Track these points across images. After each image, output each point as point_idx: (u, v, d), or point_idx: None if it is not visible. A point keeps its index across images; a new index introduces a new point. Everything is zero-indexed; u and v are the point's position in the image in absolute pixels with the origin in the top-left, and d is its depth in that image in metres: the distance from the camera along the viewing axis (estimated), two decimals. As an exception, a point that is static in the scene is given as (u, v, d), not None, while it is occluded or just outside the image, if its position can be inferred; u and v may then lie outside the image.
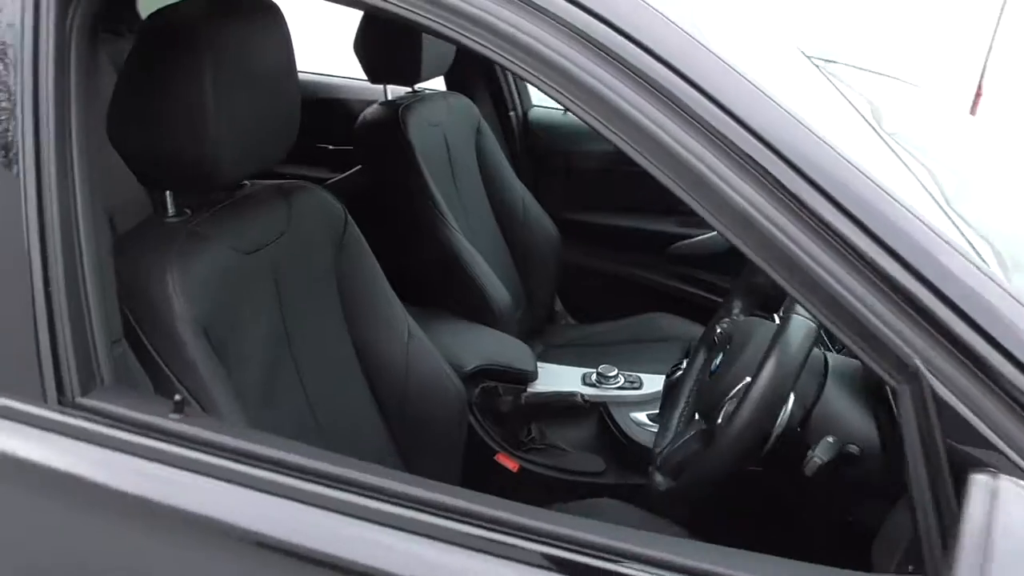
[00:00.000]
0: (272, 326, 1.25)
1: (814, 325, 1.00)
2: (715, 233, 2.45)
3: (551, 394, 1.73)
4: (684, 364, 1.60)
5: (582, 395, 1.72)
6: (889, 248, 0.69)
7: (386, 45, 1.87)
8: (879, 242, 0.69)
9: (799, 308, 1.01)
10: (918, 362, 0.68)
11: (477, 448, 1.69)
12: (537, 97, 2.59)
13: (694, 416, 1.25)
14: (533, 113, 2.56)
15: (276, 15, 1.16)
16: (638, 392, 1.80)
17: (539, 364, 1.87)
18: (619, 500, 1.56)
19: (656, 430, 1.67)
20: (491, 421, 1.73)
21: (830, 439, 1.04)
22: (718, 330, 1.35)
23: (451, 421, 1.56)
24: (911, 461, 0.71)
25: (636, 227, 2.51)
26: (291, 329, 1.28)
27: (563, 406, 1.73)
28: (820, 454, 1.03)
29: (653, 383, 1.82)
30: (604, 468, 1.68)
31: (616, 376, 1.82)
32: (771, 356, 1.00)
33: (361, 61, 1.93)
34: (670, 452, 1.23)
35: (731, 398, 1.10)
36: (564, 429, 1.77)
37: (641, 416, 1.74)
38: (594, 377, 1.83)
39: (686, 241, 2.47)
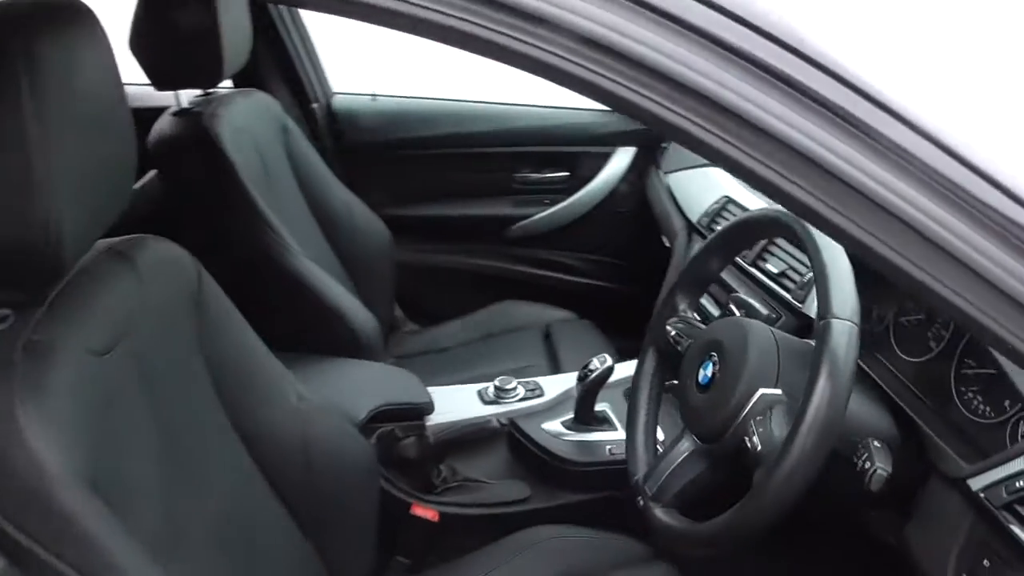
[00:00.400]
0: (151, 444, 0.92)
1: (856, 327, 0.89)
2: (553, 210, 2.35)
3: (462, 426, 1.51)
4: (598, 365, 1.47)
5: (498, 419, 1.53)
6: None
7: (177, 41, 1.49)
8: None
9: (836, 308, 0.90)
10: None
11: (389, 504, 1.45)
12: (338, 83, 2.29)
13: (682, 434, 1.11)
14: (337, 102, 2.26)
15: (94, 23, 0.82)
16: (543, 400, 1.64)
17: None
18: (554, 524, 1.40)
19: (574, 438, 1.54)
20: (397, 471, 1.49)
21: (876, 443, 0.95)
22: (672, 332, 1.22)
23: (363, 486, 1.32)
24: None
25: (468, 214, 2.33)
26: (171, 440, 0.96)
27: (478, 437, 1.52)
28: (881, 463, 0.94)
29: (553, 387, 1.68)
30: (530, 493, 1.51)
31: (515, 388, 1.64)
32: (822, 370, 0.87)
33: (142, 63, 1.53)
34: (667, 479, 1.09)
35: (751, 415, 0.98)
36: (475, 459, 1.57)
37: (555, 426, 1.58)
38: (491, 392, 1.64)
39: (523, 222, 2.34)
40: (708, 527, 0.97)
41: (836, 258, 0.94)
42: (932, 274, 0.57)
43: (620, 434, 1.56)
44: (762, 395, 0.98)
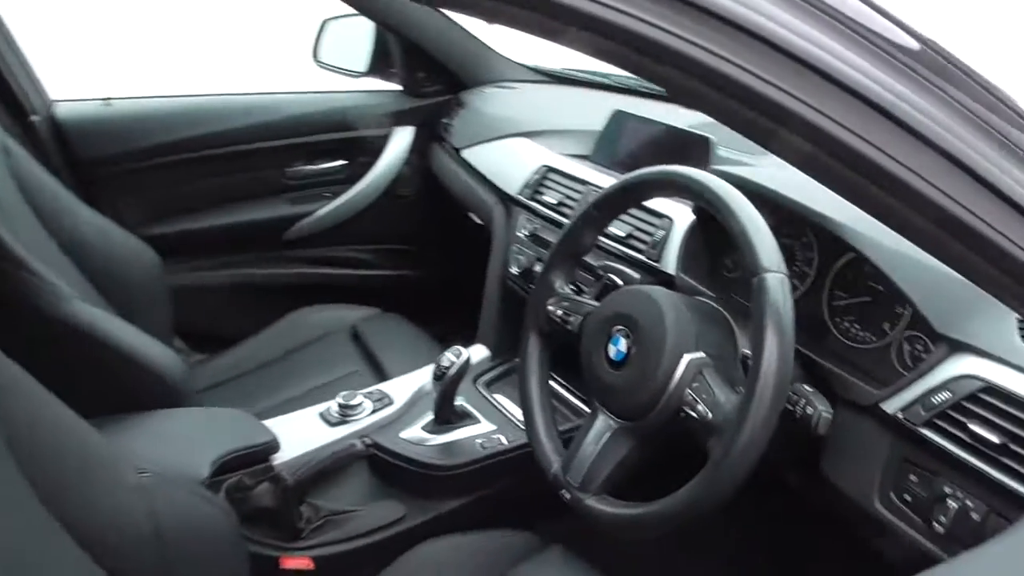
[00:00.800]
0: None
1: (787, 277, 0.89)
2: (335, 204, 2.19)
3: (324, 459, 1.34)
4: (454, 359, 1.38)
5: (362, 440, 1.37)
6: None
7: None
8: None
9: (765, 263, 0.89)
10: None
11: (257, 564, 1.25)
12: (57, 90, 1.91)
13: (595, 416, 1.06)
14: (61, 112, 1.88)
15: None
16: (395, 408, 1.51)
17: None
18: (440, 535, 1.31)
19: (439, 441, 1.44)
20: (256, 524, 1.29)
21: (807, 388, 0.97)
22: (556, 311, 1.16)
23: (228, 554, 1.13)
24: None
25: (241, 221, 2.09)
26: None
27: (342, 465, 1.36)
28: (822, 406, 0.95)
29: (400, 391, 1.55)
30: (404, 510, 1.39)
31: (361, 402, 1.49)
32: (767, 325, 0.86)
33: None
34: (591, 467, 1.04)
35: (683, 384, 0.95)
36: (336, 489, 1.40)
37: (414, 432, 1.46)
38: (335, 412, 1.48)
39: (304, 221, 2.14)
40: (666, 506, 0.93)
41: (750, 213, 0.93)
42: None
43: (485, 426, 1.48)
44: (690, 361, 0.96)
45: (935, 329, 0.96)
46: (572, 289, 1.19)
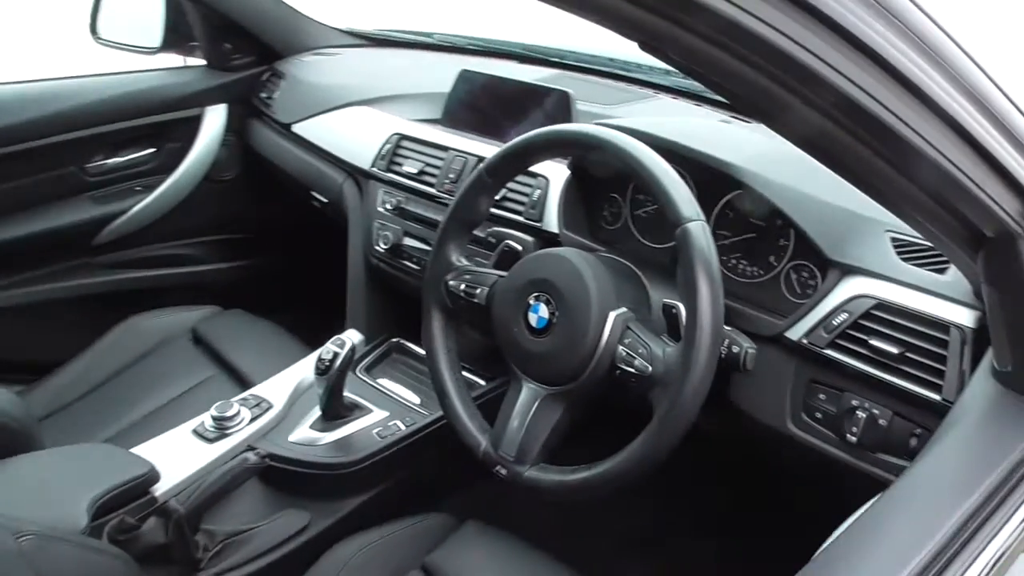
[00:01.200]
0: None
1: (707, 223, 0.91)
2: (150, 198, 1.98)
3: (216, 480, 1.22)
4: (338, 349, 1.31)
5: (255, 452, 1.26)
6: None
7: None
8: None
9: (686, 212, 0.90)
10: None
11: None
12: None
13: (519, 386, 1.04)
14: None
15: None
16: (275, 411, 1.41)
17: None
18: (350, 536, 1.26)
19: (332, 438, 1.37)
20: (150, 564, 1.16)
21: (726, 328, 1.00)
22: (459, 285, 1.12)
23: None
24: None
25: (42, 229, 1.83)
26: None
27: (240, 482, 1.25)
28: (745, 342, 0.99)
29: (275, 392, 1.45)
30: (309, 517, 1.31)
31: (238, 412, 1.38)
32: (697, 273, 0.87)
33: None
34: (524, 438, 1.02)
35: (612, 341, 0.95)
36: (230, 509, 1.29)
37: (304, 433, 1.38)
38: (211, 426, 1.35)
39: (117, 221, 1.92)
40: (617, 464, 0.94)
41: (662, 165, 0.94)
42: None
43: (378, 414, 1.43)
44: (615, 317, 0.96)
45: (826, 256, 1.03)
46: (469, 263, 1.15)
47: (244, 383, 1.57)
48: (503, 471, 1.04)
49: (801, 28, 0.49)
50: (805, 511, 1.10)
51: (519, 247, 1.18)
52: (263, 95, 1.96)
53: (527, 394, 1.03)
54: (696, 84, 1.33)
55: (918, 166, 0.58)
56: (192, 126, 1.96)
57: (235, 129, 2.02)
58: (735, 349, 1.00)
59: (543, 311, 1.01)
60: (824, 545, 0.73)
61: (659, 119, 1.32)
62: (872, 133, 0.54)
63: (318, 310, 1.98)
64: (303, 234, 2.09)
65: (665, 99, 1.57)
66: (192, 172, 1.98)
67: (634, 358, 0.94)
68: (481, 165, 1.10)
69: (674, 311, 0.96)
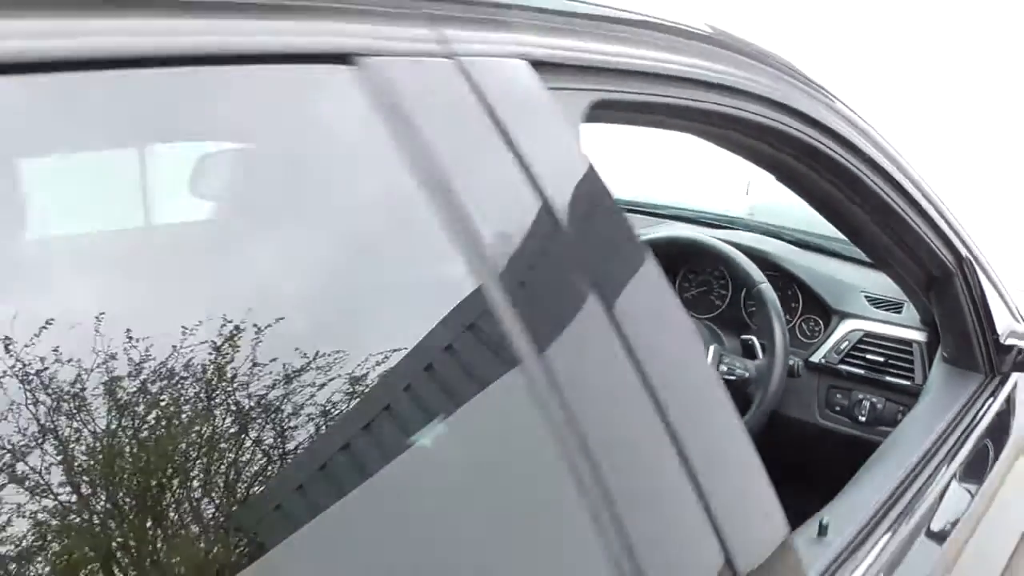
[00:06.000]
0: None
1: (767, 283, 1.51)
2: None
3: None
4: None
5: None
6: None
7: None
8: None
9: (755, 276, 1.50)
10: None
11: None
12: None
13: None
14: None
15: None
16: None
17: None
18: None
19: None
20: None
21: (750, 339, 1.59)
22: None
23: None
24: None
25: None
26: None
27: None
28: (797, 358, 1.57)
29: None
30: None
31: None
32: (772, 314, 1.47)
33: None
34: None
35: (713, 366, 1.52)
36: None
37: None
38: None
39: None
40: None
41: (733, 249, 1.55)
42: None
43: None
44: (713, 351, 1.54)
45: (832, 307, 1.66)
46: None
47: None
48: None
49: (854, 157, 1.11)
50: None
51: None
52: None
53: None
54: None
55: (890, 217, 1.20)
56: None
57: None
58: (791, 361, 1.58)
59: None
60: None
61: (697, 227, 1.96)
62: (865, 199, 1.15)
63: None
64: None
65: (674, 224, 2.22)
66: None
67: (735, 368, 1.51)
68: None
69: (749, 342, 1.54)
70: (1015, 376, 1.40)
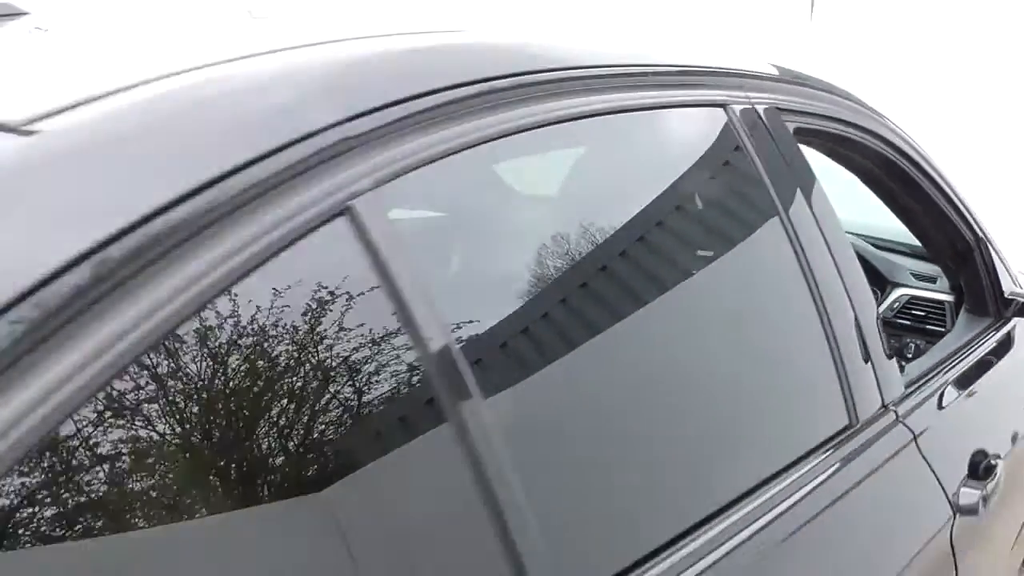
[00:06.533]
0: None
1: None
2: None
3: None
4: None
5: None
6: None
7: None
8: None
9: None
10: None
11: None
12: None
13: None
14: None
15: None
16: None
17: None
18: None
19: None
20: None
21: None
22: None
23: None
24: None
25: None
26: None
27: None
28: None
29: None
30: None
31: None
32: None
33: None
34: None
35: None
36: None
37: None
38: None
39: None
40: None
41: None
42: None
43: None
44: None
45: (888, 279, 2.37)
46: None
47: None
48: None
49: (911, 165, 1.83)
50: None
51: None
52: None
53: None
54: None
55: (929, 208, 1.91)
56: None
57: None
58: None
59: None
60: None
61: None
62: (916, 196, 1.87)
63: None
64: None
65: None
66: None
67: None
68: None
69: None
70: (1014, 320, 2.10)
